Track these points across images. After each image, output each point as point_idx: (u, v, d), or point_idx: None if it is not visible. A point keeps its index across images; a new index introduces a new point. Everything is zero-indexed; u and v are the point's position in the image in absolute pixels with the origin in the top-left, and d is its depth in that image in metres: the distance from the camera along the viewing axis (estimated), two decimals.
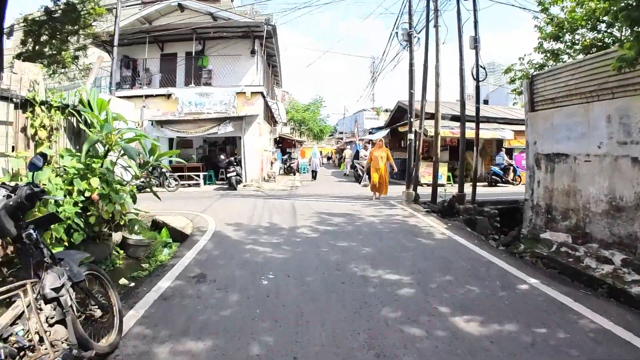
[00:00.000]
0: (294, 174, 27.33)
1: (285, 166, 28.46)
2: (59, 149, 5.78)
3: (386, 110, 69.53)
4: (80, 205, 4.94)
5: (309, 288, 5.01)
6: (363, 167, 19.01)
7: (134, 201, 6.28)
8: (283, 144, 36.25)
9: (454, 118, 21.49)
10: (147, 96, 20.49)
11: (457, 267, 5.94)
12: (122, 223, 5.66)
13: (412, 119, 13.39)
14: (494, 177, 19.82)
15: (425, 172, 19.64)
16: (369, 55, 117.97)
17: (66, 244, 4.56)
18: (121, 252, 6.31)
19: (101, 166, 5.56)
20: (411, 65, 13.12)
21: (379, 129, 29.80)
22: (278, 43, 23.72)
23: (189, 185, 19.34)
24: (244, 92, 19.75)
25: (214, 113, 19.44)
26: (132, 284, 5.16)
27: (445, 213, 11.30)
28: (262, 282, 5.22)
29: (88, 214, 5.08)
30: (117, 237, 6.38)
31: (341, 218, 9.72)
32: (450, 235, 8.22)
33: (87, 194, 5.02)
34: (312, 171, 25.26)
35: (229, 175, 17.64)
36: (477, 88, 13.19)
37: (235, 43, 20.89)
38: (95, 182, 5.07)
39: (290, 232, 8.20)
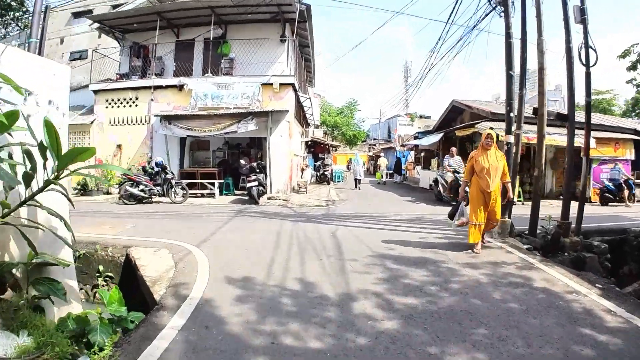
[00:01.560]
0: (328, 183, 23.54)
1: (319, 174, 24.70)
2: None
3: (421, 117, 66.11)
4: None
5: None
6: (446, 182, 15.15)
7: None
8: (315, 149, 32.52)
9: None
10: (155, 88, 17.40)
11: None
12: None
13: (512, 113, 9.25)
14: (606, 194, 15.73)
15: None
16: (403, 59, 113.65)
17: None
18: None
19: None
20: (508, 35, 9.13)
21: (426, 133, 25.71)
22: (312, 30, 20.04)
23: (202, 195, 15.90)
24: (272, 84, 16.18)
25: (233, 108, 15.92)
26: None
27: (548, 249, 8.28)
28: None
29: None
30: None
31: (421, 271, 5.77)
32: (629, 319, 4.24)
33: None
34: (356, 179, 22.57)
35: (249, 184, 14.00)
36: (587, 75, 9.32)
37: (262, 28, 17.38)
38: None
39: (340, 311, 4.26)
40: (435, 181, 16.54)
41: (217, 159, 18.79)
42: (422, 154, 26.28)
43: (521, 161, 17.85)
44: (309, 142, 30.75)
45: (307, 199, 15.64)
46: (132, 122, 17.74)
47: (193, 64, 18.12)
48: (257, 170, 14.97)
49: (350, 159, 25.98)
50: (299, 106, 20.21)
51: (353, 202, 15.54)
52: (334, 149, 37.78)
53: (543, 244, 8.62)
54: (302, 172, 22.70)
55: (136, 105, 17.73)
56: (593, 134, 17.47)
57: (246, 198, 14.77)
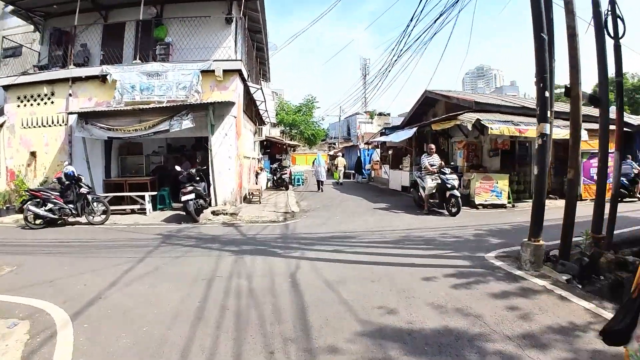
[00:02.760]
0: (286, 188, 20.64)
1: (275, 177, 21.76)
2: None
3: (380, 114, 64.36)
4: None
5: None
6: (425, 186, 12.48)
7: None
8: (272, 150, 29.52)
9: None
10: (74, 80, 14.16)
11: None
12: None
13: (546, 92, 6.55)
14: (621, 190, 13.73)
15: (481, 188, 13.19)
16: (360, 57, 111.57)
17: None
18: None
19: None
20: None
21: (394, 128, 23.24)
22: (265, 11, 17.03)
23: (132, 212, 12.78)
24: (213, 71, 13.14)
25: (167, 102, 12.83)
26: None
27: (583, 275, 6.02)
28: None
29: None
30: None
31: None
32: None
33: None
34: (318, 181, 21.29)
35: (184, 197, 10.97)
36: (617, 49, 6.93)
37: (205, 6, 14.39)
38: None
39: None
40: (414, 184, 13.93)
41: (154, 165, 15.55)
42: (390, 152, 23.78)
43: (504, 157, 15.69)
44: (265, 142, 27.76)
45: (260, 211, 12.72)
46: (47, 123, 14.32)
47: (123, 52, 14.79)
48: (197, 178, 11.96)
49: (314, 160, 23.18)
50: (250, 100, 17.23)
51: (317, 213, 12.74)
52: (292, 149, 34.84)
53: (579, 270, 6.14)
54: (257, 176, 19.76)
55: (52, 103, 14.32)
56: (583, 125, 15.35)
57: (184, 214, 11.74)
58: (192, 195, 10.95)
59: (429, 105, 20.24)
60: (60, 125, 14.22)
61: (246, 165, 16.09)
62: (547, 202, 13.69)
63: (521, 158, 15.77)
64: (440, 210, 12.42)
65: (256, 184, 19.04)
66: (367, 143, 28.69)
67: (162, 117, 11.96)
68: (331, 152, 41.12)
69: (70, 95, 14.08)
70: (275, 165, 22.87)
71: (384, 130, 23.73)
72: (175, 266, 6.55)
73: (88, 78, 13.96)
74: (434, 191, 12.39)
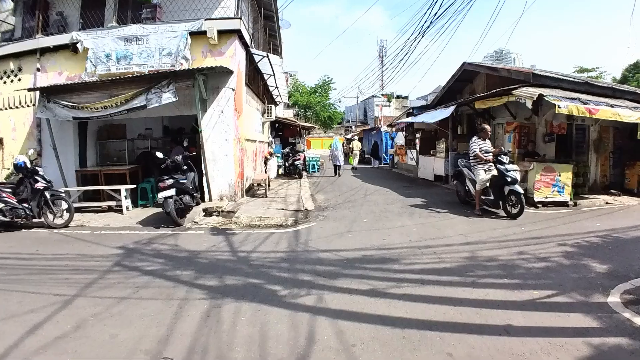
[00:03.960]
0: (300, 176, 17.87)
1: (287, 164, 18.99)
2: None
3: (398, 97, 61.41)
4: None
5: None
6: (477, 179, 9.61)
7: None
8: (284, 132, 26.70)
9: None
10: (43, 51, 11.65)
11: None
12: None
13: None
14: None
15: (542, 182, 10.65)
16: (378, 39, 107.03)
17: None
18: None
19: None
20: None
21: (423, 108, 20.24)
22: None
23: (109, 209, 10.36)
24: (205, 32, 10.37)
25: (148, 73, 10.16)
26: None
27: None
28: None
29: None
30: None
31: None
32: None
33: None
34: (335, 166, 20.42)
35: (161, 194, 8.30)
36: None
37: None
38: None
39: None
40: (457, 175, 11.09)
41: (139, 151, 12.88)
42: (418, 135, 20.85)
43: (559, 144, 12.73)
44: (277, 124, 24.97)
45: (265, 208, 9.98)
46: (14, 104, 11.78)
47: (105, 19, 12.14)
48: (184, 168, 9.31)
49: (331, 144, 21.15)
50: (255, 71, 14.41)
51: (337, 212, 9.88)
52: (307, 131, 31.93)
53: None
54: (266, 163, 17.06)
55: (19, 80, 11.76)
56: None
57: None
58: (172, 191, 8.28)
59: (465, 82, 17.24)
60: (28, 106, 11.68)
61: (250, 150, 13.36)
62: (609, 198, 10.94)
63: (578, 145, 12.88)
64: (494, 210, 9.60)
65: (265, 172, 16.35)
66: (390, 125, 25.70)
67: (138, 89, 9.28)
68: (348, 136, 38.26)
69: (38, 69, 11.56)
70: (287, 150, 20.02)
71: (411, 110, 20.72)
72: (108, 324, 3.88)
73: (58, 48, 11.40)
74: (487, 185, 9.59)
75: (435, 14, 16.21)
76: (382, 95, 58.75)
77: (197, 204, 9.95)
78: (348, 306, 4.15)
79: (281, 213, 9.42)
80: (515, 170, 9.17)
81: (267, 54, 12.75)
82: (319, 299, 4.35)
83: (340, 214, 9.58)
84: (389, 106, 56.70)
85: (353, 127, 53.69)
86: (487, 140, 9.65)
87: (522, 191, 8.95)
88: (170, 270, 5.54)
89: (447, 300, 4.32)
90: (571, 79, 13.92)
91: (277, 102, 23.66)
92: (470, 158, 9.75)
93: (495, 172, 9.37)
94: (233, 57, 10.59)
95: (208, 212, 9.69)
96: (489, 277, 5.09)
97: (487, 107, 13.04)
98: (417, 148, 20.70)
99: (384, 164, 28.60)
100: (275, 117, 19.69)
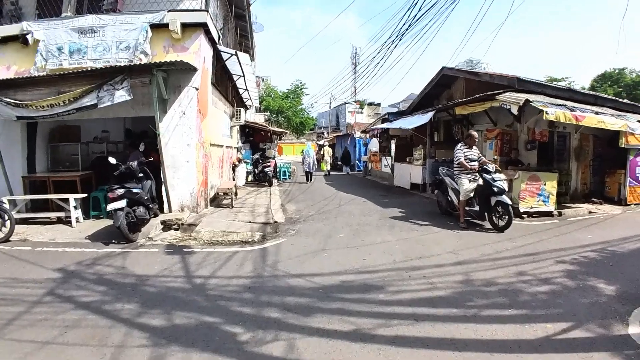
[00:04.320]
0: (270, 184, 16.90)
1: (257, 171, 18.00)
2: None
3: (370, 104, 61.19)
4: None
5: None
6: (461, 189, 8.92)
7: None
8: (255, 137, 25.64)
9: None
10: None
11: None
12: None
13: None
14: None
15: (527, 192, 10.20)
16: (351, 45, 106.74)
17: None
18: None
19: None
20: None
21: (399, 114, 19.57)
22: None
23: (59, 220, 9.27)
24: (167, 25, 9.39)
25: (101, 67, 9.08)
26: None
27: None
28: None
29: None
30: None
31: None
32: None
33: None
34: (306, 172, 20.22)
35: (110, 206, 7.27)
36: None
37: None
38: None
39: None
40: (438, 184, 10.39)
41: (94, 155, 11.74)
42: (393, 142, 20.19)
43: (540, 151, 12.27)
44: (247, 129, 23.93)
45: (230, 221, 9.00)
46: None
47: (62, 9, 11.00)
48: (140, 175, 8.31)
49: (303, 150, 20.60)
50: (223, 71, 13.45)
51: (310, 225, 8.96)
52: (278, 137, 30.93)
53: None
54: (234, 169, 16.05)
55: None
56: (633, 116, 12.07)
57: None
58: (123, 203, 7.24)
59: (443, 87, 16.74)
60: None
61: (216, 155, 12.36)
62: (592, 207, 10.67)
63: (559, 153, 12.54)
64: (479, 222, 8.92)
65: (233, 179, 15.35)
66: (364, 131, 25.03)
67: (88, 86, 8.22)
68: (320, 142, 37.50)
69: None
70: (257, 156, 19.02)
71: (386, 116, 20.05)
72: None
73: (7, 40, 10.19)
74: (471, 195, 8.90)
75: (415, 15, 15.52)
76: (355, 102, 58.44)
77: (155, 215, 8.94)
78: (327, 357, 3.27)
79: (248, 227, 8.47)
80: (502, 180, 8.52)
81: (236, 52, 11.77)
82: (289, 346, 3.44)
83: (314, 227, 8.67)
84: (362, 113, 56.40)
85: (325, 133, 53.03)
86: (474, 147, 8.96)
87: (510, 202, 8.32)
88: (110, 302, 4.56)
89: (448, 343, 3.51)
90: (554, 85, 13.53)
91: (248, 106, 22.67)
92: (454, 166, 9.04)
93: (480, 181, 8.71)
94: (198, 53, 9.62)
95: (167, 225, 8.66)
96: (492, 308, 4.32)
97: (468, 113, 12.44)
98: (393, 155, 20.07)
99: (357, 171, 27.92)
100: (245, 121, 18.71)
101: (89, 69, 8.61)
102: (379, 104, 62.45)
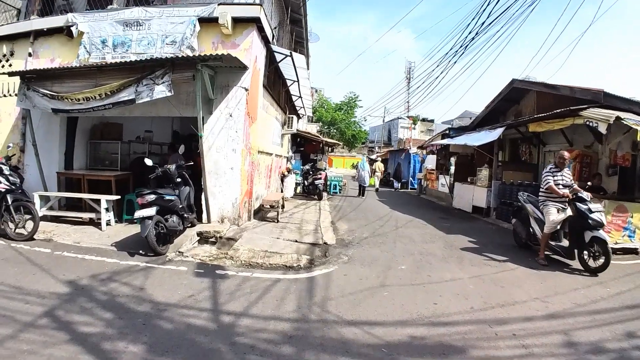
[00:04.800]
0: (319, 198, 15.83)
1: (307, 182, 16.99)
2: None
3: (424, 120, 59.54)
4: None
5: None
6: (547, 219, 7.37)
7: None
8: (306, 148, 24.77)
9: None
10: (37, 35, 10.06)
11: None
12: None
13: None
14: None
15: (613, 224, 8.62)
16: (406, 60, 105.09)
17: None
18: None
19: None
20: None
21: (460, 129, 18.12)
22: None
23: (91, 221, 8.65)
24: (216, 18, 8.57)
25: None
26: None
27: None
28: None
29: None
30: None
31: None
32: None
33: None
34: (360, 186, 19.51)
35: (138, 213, 6.39)
36: None
37: None
38: None
39: None
40: (516, 211, 8.85)
41: (136, 155, 11.08)
42: (453, 160, 18.73)
43: (621, 179, 10.62)
44: (298, 139, 23.09)
45: (272, 238, 7.96)
46: (3, 92, 10.21)
47: (113, 2, 10.51)
48: (178, 180, 7.47)
49: (357, 164, 19.82)
50: (276, 74, 12.59)
51: (365, 251, 7.70)
52: (330, 148, 29.95)
53: None
54: (283, 180, 15.13)
55: (10, 65, 10.23)
56: None
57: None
58: (152, 211, 6.34)
59: (511, 102, 15.24)
60: (16, 94, 10.03)
61: (264, 164, 11.43)
62: None
63: None
64: (562, 259, 7.43)
65: (282, 190, 14.41)
66: (421, 147, 23.62)
67: (125, 78, 7.46)
68: (372, 156, 36.26)
69: (30, 54, 10.00)
70: (307, 167, 18.03)
71: (447, 132, 18.63)
72: None
73: (52, 32, 9.85)
74: (557, 227, 7.43)
75: (483, 23, 14.20)
76: (408, 117, 57.13)
77: (192, 225, 8.08)
78: None
79: (293, 247, 7.39)
80: (600, 212, 6.98)
81: (291, 52, 10.82)
82: None
83: (369, 253, 7.44)
84: (414, 129, 54.93)
85: (377, 147, 51.81)
86: (566, 170, 7.52)
87: (608, 239, 6.82)
88: (113, 338, 3.58)
89: None
90: None
91: (300, 115, 21.84)
92: (541, 191, 7.60)
93: (569, 212, 7.25)
94: (249, 50, 8.73)
95: (203, 238, 7.79)
96: None
97: (544, 130, 10.97)
98: (452, 173, 18.61)
99: (411, 189, 26.47)
100: (297, 130, 17.83)
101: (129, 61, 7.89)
102: (432, 120, 60.73)
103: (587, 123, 8.85)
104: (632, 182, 10.78)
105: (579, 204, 6.97)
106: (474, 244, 8.73)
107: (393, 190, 26.00)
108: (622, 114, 8.60)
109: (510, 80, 14.09)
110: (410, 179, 27.53)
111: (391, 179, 29.63)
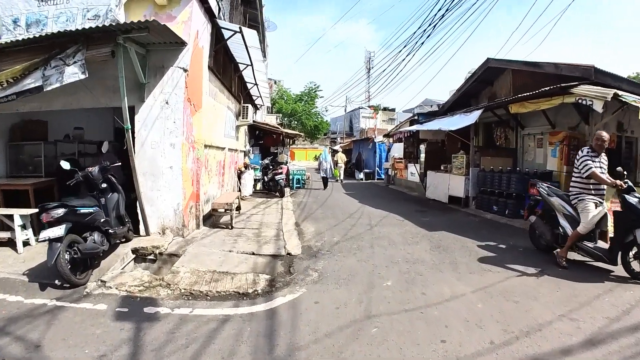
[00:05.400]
0: (281, 195, 14.40)
1: (267, 178, 15.52)
2: None
3: (385, 109, 58.89)
4: None
5: None
6: (586, 217, 5.88)
7: None
8: (265, 141, 23.18)
9: None
10: None
11: None
12: None
13: None
14: None
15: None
16: (365, 50, 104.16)
17: None
18: None
19: None
20: None
21: (429, 114, 17.02)
22: None
23: (9, 241, 6.81)
24: None
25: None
26: None
27: None
28: None
29: None
30: None
31: None
32: None
33: None
34: (323, 178, 19.14)
35: (43, 234, 4.80)
36: None
37: None
38: None
39: None
40: (532, 206, 7.51)
41: (63, 158, 9.31)
42: (423, 147, 17.60)
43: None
44: (256, 132, 21.48)
45: (224, 252, 6.51)
46: None
47: None
48: (103, 186, 5.94)
49: (319, 155, 18.84)
50: (225, 55, 11.05)
51: (338, 262, 6.23)
52: (291, 140, 28.39)
53: None
54: (240, 177, 13.63)
55: None
56: None
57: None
58: (61, 230, 4.77)
59: (485, 83, 14.18)
60: None
61: (216, 160, 9.93)
62: None
63: (625, 161, 10.07)
64: (592, 262, 6.14)
65: (239, 189, 12.92)
66: (387, 135, 22.46)
67: (31, 61, 5.82)
68: (335, 147, 35.03)
69: None
70: (267, 161, 16.52)
71: (416, 117, 17.50)
72: None
73: None
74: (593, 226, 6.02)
75: (443, 15, 13.09)
76: (369, 107, 56.31)
77: (127, 240, 6.56)
78: None
79: (249, 262, 5.96)
80: None
81: (241, 28, 9.27)
82: None
83: (344, 265, 6.05)
84: (375, 119, 54.21)
85: (339, 138, 50.70)
86: (603, 155, 6.23)
87: None
88: None
89: None
90: (631, 79, 11.04)
91: (258, 105, 20.28)
92: (574, 181, 6.19)
93: (606, 207, 5.99)
94: (187, 23, 7.21)
95: (140, 255, 6.28)
96: None
97: (527, 111, 9.93)
98: (422, 162, 17.52)
99: (378, 179, 25.38)
100: (254, 121, 16.31)
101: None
102: (393, 109, 60.16)
103: (580, 101, 7.86)
104: (617, 164, 9.93)
105: (628, 198, 5.59)
106: (464, 243, 7.52)
107: (356, 181, 25.08)
108: (618, 92, 7.61)
109: (484, 59, 13.01)
110: (377, 169, 26.45)
111: (351, 168, 28.85)
